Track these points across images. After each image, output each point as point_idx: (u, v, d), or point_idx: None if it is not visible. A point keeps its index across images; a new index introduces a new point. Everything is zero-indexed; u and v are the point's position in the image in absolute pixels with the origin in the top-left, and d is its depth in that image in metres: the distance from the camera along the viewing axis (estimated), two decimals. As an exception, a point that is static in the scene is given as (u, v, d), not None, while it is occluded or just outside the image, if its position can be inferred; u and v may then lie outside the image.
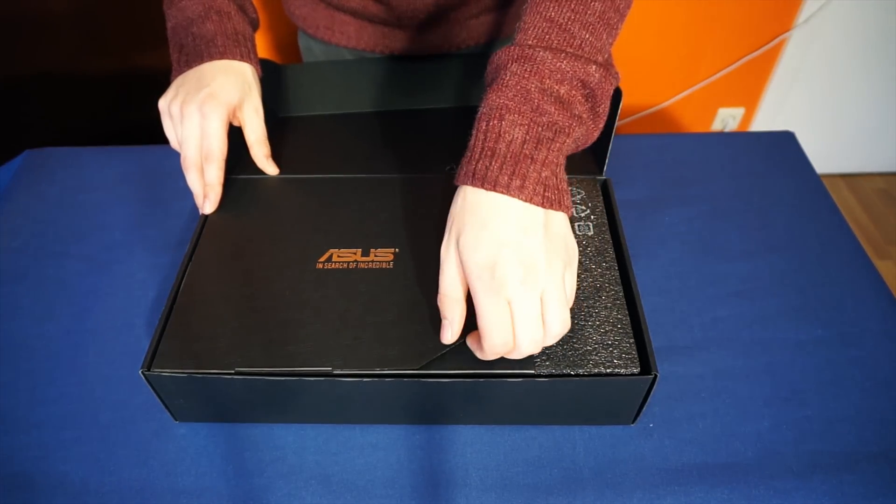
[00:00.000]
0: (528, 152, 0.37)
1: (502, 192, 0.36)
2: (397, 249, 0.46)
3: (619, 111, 0.49)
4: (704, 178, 0.63)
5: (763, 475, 0.42)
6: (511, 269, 0.35)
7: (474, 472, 0.43)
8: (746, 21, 1.23)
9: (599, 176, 0.53)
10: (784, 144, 0.67)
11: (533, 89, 0.38)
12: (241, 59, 0.52)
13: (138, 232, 0.59)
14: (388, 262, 0.46)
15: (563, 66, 0.38)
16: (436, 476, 0.42)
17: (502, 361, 0.40)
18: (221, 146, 0.49)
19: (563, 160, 0.39)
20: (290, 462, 0.43)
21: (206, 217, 0.50)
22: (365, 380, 0.40)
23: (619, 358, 0.41)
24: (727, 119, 1.42)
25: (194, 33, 0.52)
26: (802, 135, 0.69)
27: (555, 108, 0.38)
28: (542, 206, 0.37)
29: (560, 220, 0.38)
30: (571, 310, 0.43)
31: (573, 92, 0.38)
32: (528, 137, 0.37)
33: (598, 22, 0.41)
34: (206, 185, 0.50)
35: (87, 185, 0.64)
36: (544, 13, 0.40)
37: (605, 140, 0.52)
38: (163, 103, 0.50)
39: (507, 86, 0.38)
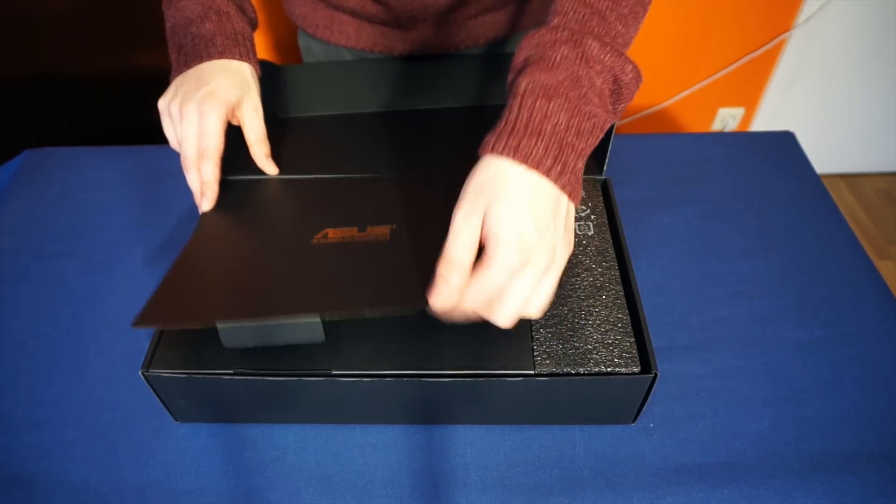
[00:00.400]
0: (571, 140, 0.37)
1: (543, 174, 0.36)
2: (394, 226, 0.46)
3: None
4: (704, 178, 0.63)
5: (763, 475, 0.42)
6: (541, 254, 0.36)
7: (474, 472, 0.43)
8: (746, 21, 1.23)
9: (599, 176, 0.53)
10: (784, 144, 0.67)
11: (583, 76, 0.37)
12: (240, 58, 0.52)
13: (138, 232, 0.59)
14: (385, 234, 0.45)
15: (606, 59, 0.38)
16: (436, 476, 0.42)
17: (501, 360, 0.39)
18: (218, 143, 0.49)
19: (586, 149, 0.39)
20: (290, 462, 0.43)
21: (204, 216, 0.50)
22: (364, 379, 0.40)
23: (620, 357, 0.41)
24: (727, 119, 1.42)
25: (193, 33, 0.51)
26: (802, 135, 0.69)
27: (597, 100, 0.38)
28: (569, 195, 0.37)
29: (573, 210, 0.39)
30: (572, 308, 0.44)
31: (604, 86, 0.39)
32: (570, 124, 0.37)
33: (630, 14, 0.41)
34: (202, 182, 0.50)
35: (86, 185, 0.64)
36: None
37: (605, 140, 0.52)
38: (162, 103, 0.50)
39: (557, 67, 0.37)
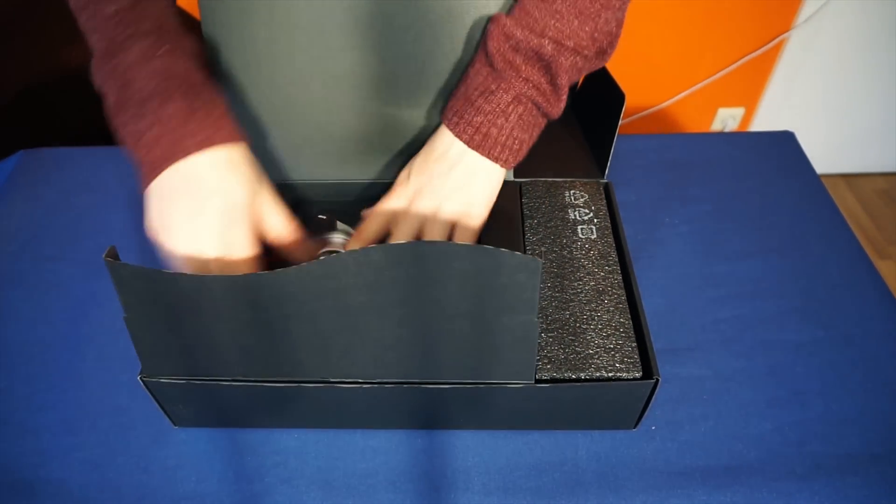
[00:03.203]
0: (474, 100, 0.44)
1: (445, 125, 0.45)
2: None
3: (622, 114, 0.49)
4: (704, 178, 0.63)
5: (766, 477, 0.42)
6: (404, 189, 0.46)
7: (476, 476, 0.42)
8: (746, 21, 1.22)
9: (601, 179, 0.53)
10: (784, 144, 0.67)
11: (495, 51, 0.43)
12: (227, 139, 0.40)
13: (136, 235, 0.59)
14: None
15: (518, 35, 0.42)
16: (438, 480, 0.42)
17: (502, 368, 0.39)
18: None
19: (507, 114, 0.43)
20: (292, 466, 0.43)
21: None
22: (364, 386, 0.39)
23: (622, 362, 0.40)
24: (727, 119, 1.42)
25: (151, 117, 0.39)
26: (802, 135, 0.69)
27: (506, 71, 0.43)
28: (469, 145, 0.44)
29: (475, 166, 0.44)
30: (573, 313, 0.43)
31: (526, 57, 0.43)
32: (481, 90, 0.44)
33: (568, 10, 0.42)
34: None
35: (83, 187, 0.63)
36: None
37: (606, 143, 0.52)
38: (168, 241, 0.39)
39: (486, 50, 0.44)
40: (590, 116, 0.57)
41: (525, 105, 0.44)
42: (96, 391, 0.47)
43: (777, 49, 1.28)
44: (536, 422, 0.44)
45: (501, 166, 0.45)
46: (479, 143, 0.44)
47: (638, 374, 0.40)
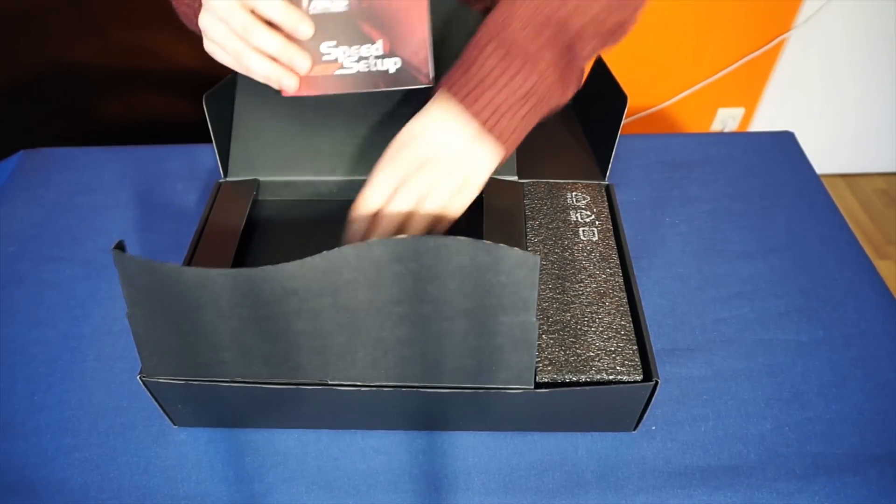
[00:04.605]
0: (491, 76, 0.40)
1: (459, 101, 0.41)
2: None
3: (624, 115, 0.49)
4: (704, 178, 0.63)
5: (766, 477, 0.42)
6: (412, 155, 0.41)
7: (477, 476, 0.42)
8: (746, 21, 1.23)
9: (602, 181, 0.53)
10: (784, 144, 0.67)
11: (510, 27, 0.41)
12: None
13: (137, 235, 0.59)
14: None
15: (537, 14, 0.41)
16: (438, 480, 0.42)
17: (501, 372, 0.39)
18: None
19: (522, 97, 0.41)
20: (292, 467, 0.43)
21: (205, 221, 0.50)
22: (363, 389, 0.39)
23: (622, 365, 0.40)
24: (727, 119, 1.41)
25: None
26: (802, 135, 0.69)
27: (527, 46, 0.40)
28: (484, 126, 0.41)
29: (483, 147, 0.41)
30: (574, 315, 0.43)
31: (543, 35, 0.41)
32: (497, 64, 0.41)
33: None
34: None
35: (84, 188, 0.63)
36: None
37: (608, 145, 0.52)
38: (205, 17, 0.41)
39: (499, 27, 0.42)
40: (591, 117, 0.57)
41: (540, 94, 0.41)
42: (96, 391, 0.47)
43: (777, 49, 1.28)
44: (536, 424, 0.44)
45: (502, 152, 0.42)
46: (492, 124, 0.41)
47: (639, 378, 0.40)
